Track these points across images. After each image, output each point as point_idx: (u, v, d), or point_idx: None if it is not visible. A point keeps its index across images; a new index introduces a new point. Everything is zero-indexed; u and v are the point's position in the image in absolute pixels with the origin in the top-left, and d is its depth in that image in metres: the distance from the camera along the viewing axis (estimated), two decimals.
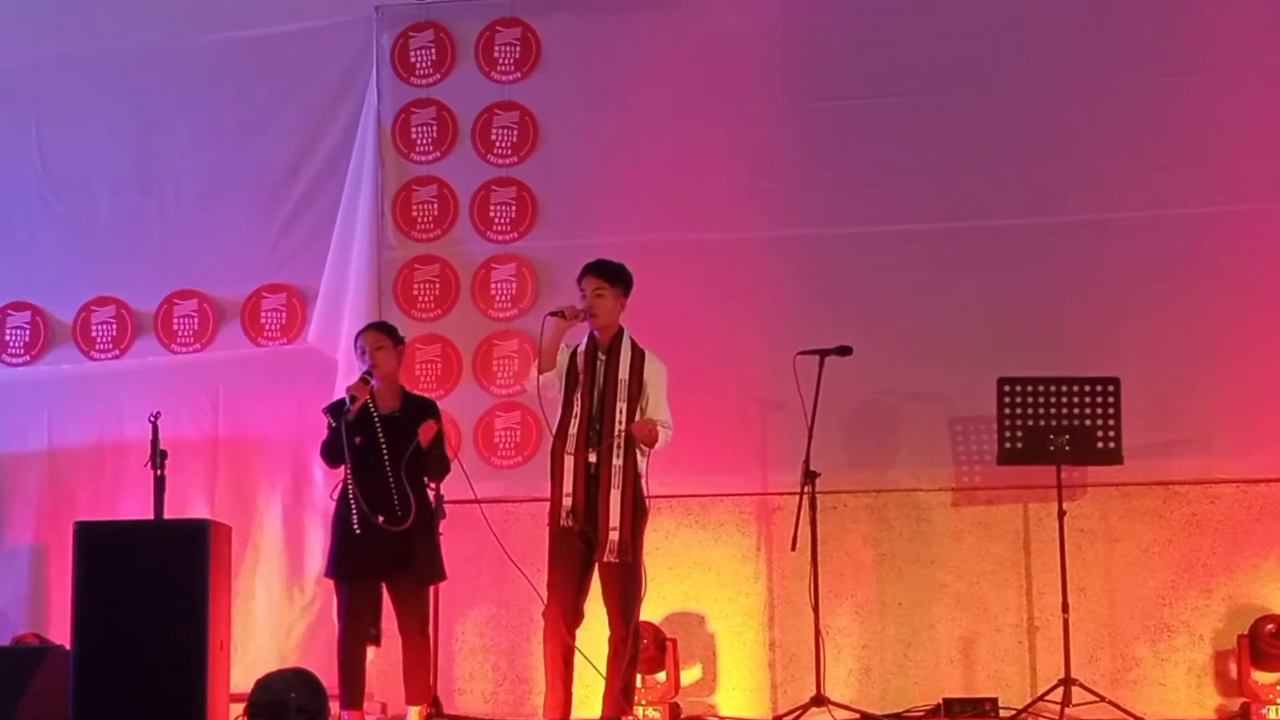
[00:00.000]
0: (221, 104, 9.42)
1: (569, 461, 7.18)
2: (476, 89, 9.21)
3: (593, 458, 7.19)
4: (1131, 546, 8.31)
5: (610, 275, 7.35)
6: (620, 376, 7.27)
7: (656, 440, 7.24)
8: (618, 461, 7.20)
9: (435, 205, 9.18)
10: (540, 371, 7.21)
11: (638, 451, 7.23)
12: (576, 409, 7.22)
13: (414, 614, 7.55)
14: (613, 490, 7.17)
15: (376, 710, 8.21)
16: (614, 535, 7.13)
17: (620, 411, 7.23)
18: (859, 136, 8.78)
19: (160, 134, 9.48)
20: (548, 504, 7.25)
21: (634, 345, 7.34)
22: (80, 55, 9.57)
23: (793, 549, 8.05)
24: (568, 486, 7.17)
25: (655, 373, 7.35)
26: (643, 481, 7.24)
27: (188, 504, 8.64)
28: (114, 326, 9.39)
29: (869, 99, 8.77)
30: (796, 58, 8.89)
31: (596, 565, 7.20)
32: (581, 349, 7.27)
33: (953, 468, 8.51)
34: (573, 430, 7.21)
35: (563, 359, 7.25)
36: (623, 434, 7.18)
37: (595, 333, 7.30)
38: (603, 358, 7.29)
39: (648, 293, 8.60)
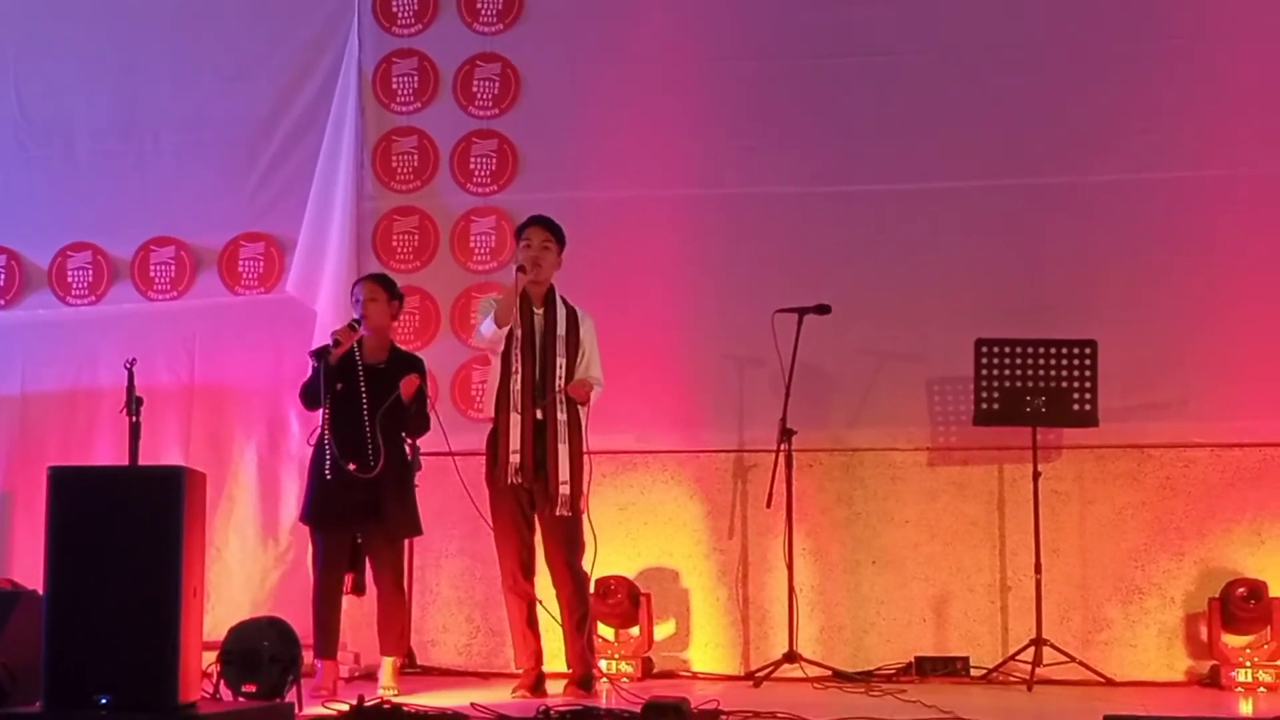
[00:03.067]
0: (202, 51, 9.36)
1: (515, 419, 7.21)
2: (458, 40, 9.17)
3: (539, 414, 7.23)
4: (1105, 509, 8.34)
5: (555, 231, 7.44)
6: (559, 333, 7.33)
7: (591, 398, 7.30)
8: (563, 416, 7.28)
9: (415, 156, 9.15)
10: (501, 325, 7.21)
11: (579, 406, 7.30)
12: (516, 365, 7.26)
13: (387, 567, 7.57)
14: (560, 445, 7.22)
15: (349, 660, 8.22)
16: (564, 489, 7.19)
17: (560, 368, 7.29)
18: (843, 95, 8.75)
19: (139, 80, 9.43)
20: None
21: (565, 302, 7.40)
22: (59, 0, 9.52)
23: (768, 506, 8.09)
24: (515, 444, 7.22)
25: (589, 330, 7.47)
26: (583, 434, 7.28)
27: (162, 452, 8.61)
28: (90, 272, 9.35)
29: (854, 57, 8.74)
30: (782, 14, 8.86)
31: (539, 520, 7.25)
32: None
33: (929, 428, 8.52)
34: (515, 387, 7.25)
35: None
36: (562, 392, 7.22)
37: (528, 288, 7.31)
38: (539, 313, 7.33)
39: (626, 248, 8.66)
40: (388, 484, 7.47)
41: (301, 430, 8.73)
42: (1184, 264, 8.38)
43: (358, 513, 7.47)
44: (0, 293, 9.43)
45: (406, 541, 7.88)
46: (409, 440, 7.67)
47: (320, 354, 7.55)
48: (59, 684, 5.61)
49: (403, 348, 7.99)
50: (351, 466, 7.42)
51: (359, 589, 7.67)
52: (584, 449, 7.33)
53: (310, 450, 7.67)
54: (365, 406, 7.48)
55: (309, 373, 7.64)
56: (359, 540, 7.60)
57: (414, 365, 7.70)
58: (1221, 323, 8.29)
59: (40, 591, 5.89)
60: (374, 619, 7.66)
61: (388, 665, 7.55)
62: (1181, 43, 8.50)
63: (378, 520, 7.49)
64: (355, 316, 7.61)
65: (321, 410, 7.51)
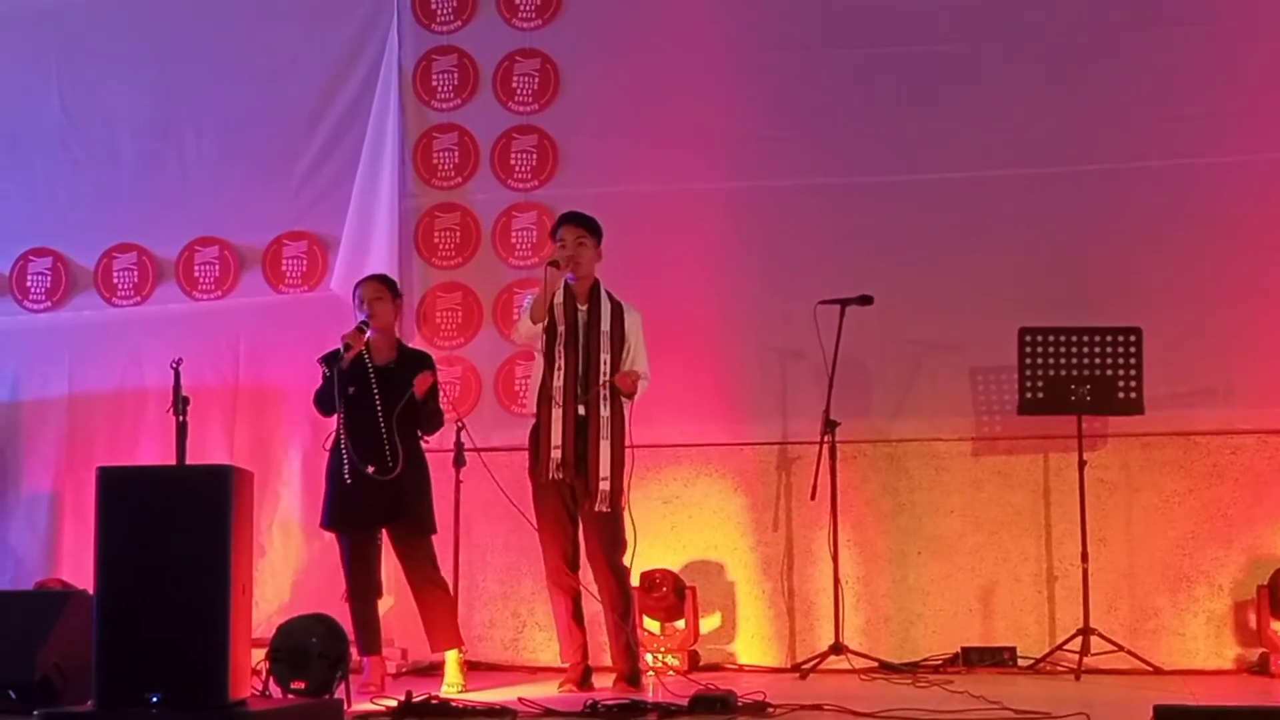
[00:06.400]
0: (242, 50, 9.40)
1: (557, 414, 7.22)
2: (497, 36, 9.19)
3: (581, 410, 7.23)
4: (1152, 497, 8.30)
5: (590, 226, 7.45)
6: (603, 328, 7.33)
7: (636, 391, 7.30)
8: (605, 412, 7.27)
9: (456, 153, 9.18)
10: (535, 321, 7.23)
11: (622, 401, 7.30)
12: (560, 361, 7.26)
13: (420, 563, 7.53)
14: (602, 441, 7.23)
15: (397, 656, 8.24)
16: (604, 485, 7.21)
17: (604, 363, 7.31)
18: (882, 86, 8.73)
19: (181, 80, 9.48)
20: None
21: (610, 296, 7.39)
22: (101, 1, 9.57)
23: (812, 498, 8.08)
24: (557, 439, 7.23)
25: (635, 324, 7.45)
26: (627, 430, 7.29)
27: (207, 451, 8.60)
28: (135, 273, 9.40)
29: (894, 47, 8.72)
30: (822, 5, 8.87)
31: (580, 516, 7.27)
32: (558, 300, 7.29)
33: (973, 417, 8.50)
34: (558, 383, 7.25)
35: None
36: (607, 385, 7.24)
37: (571, 282, 7.33)
38: (583, 309, 7.34)
39: (668, 242, 8.66)
40: (407, 483, 7.44)
41: None
42: (1227, 249, 8.32)
43: (380, 514, 7.46)
44: (47, 294, 9.49)
45: (453, 537, 7.87)
46: (426, 441, 7.67)
47: (330, 360, 7.50)
48: (110, 683, 5.65)
49: (408, 344, 7.98)
50: (370, 469, 7.40)
51: (379, 591, 7.67)
52: (626, 444, 7.33)
53: (327, 456, 7.62)
54: (379, 408, 7.46)
55: (321, 380, 7.58)
56: (388, 539, 7.59)
57: (424, 362, 7.66)
58: (1267, 308, 8.24)
59: (90, 591, 5.93)
60: (419, 614, 7.66)
61: (451, 660, 7.52)
62: (1225, 25, 8.44)
63: (401, 520, 7.48)
64: (362, 319, 7.59)
65: (337, 415, 7.50)
